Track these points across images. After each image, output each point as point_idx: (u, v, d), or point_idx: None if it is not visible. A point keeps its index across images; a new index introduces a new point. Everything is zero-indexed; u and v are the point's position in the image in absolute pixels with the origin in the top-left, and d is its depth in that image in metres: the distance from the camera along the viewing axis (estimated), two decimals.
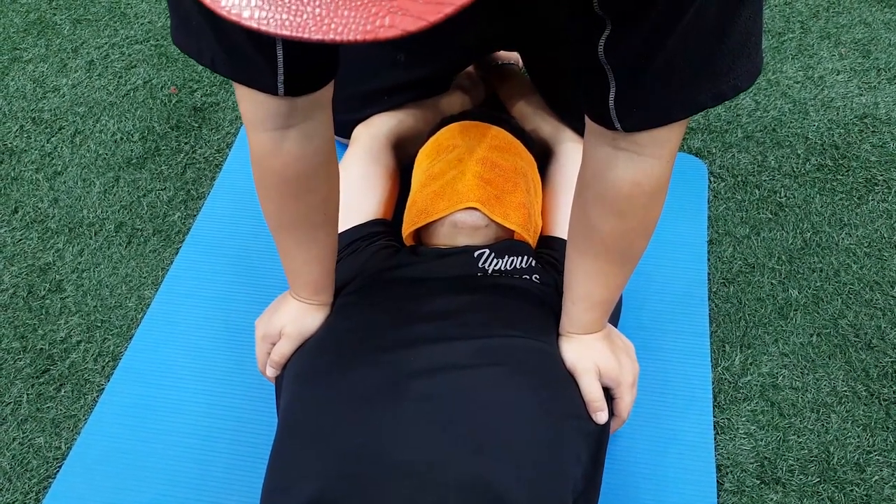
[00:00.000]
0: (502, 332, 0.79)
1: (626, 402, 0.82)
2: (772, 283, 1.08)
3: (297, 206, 0.77)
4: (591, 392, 0.78)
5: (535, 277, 0.89)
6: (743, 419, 0.95)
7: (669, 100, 0.60)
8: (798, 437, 0.93)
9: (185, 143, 1.34)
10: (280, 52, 0.62)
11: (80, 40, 1.54)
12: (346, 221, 1.00)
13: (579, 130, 1.12)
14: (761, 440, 0.93)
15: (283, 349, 0.84)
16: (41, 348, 1.07)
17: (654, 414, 0.94)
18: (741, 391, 0.97)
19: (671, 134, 0.64)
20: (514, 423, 0.71)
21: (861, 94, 1.34)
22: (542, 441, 0.72)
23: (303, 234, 0.80)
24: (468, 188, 0.92)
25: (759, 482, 0.90)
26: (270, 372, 0.86)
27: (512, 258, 0.90)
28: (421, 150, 1.05)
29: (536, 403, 0.74)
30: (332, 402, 0.73)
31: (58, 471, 0.94)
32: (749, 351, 1.01)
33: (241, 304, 1.08)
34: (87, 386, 1.03)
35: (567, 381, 0.79)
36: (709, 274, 1.09)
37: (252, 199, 1.20)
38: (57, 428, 0.98)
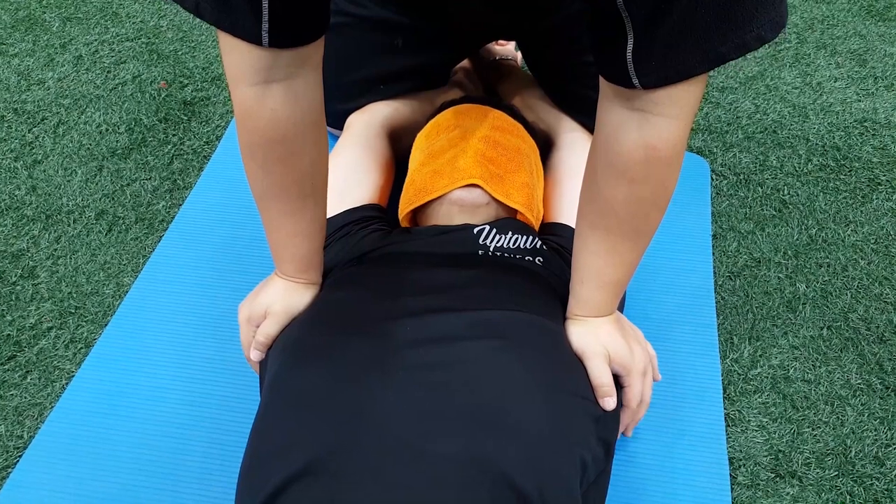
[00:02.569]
0: (503, 306, 0.74)
1: (635, 390, 0.76)
2: (779, 277, 1.05)
3: (283, 172, 0.72)
4: (600, 376, 0.73)
5: (539, 260, 0.84)
6: (754, 411, 0.90)
7: (690, 51, 0.57)
8: (813, 429, 0.88)
9: (174, 135, 1.30)
10: None
11: (69, 37, 1.51)
12: (337, 207, 0.95)
13: (581, 121, 1.09)
14: (774, 433, 0.88)
15: (269, 329, 0.78)
16: (8, 334, 1.00)
17: (663, 405, 0.89)
18: (751, 383, 0.93)
19: (690, 92, 0.61)
20: (516, 396, 0.66)
21: (860, 100, 1.33)
22: (547, 417, 0.66)
23: (289, 203, 0.75)
24: (469, 165, 0.88)
25: (773, 475, 0.84)
26: (255, 355, 0.80)
27: (516, 236, 0.85)
28: (419, 133, 1.02)
29: (539, 378, 0.68)
30: (321, 372, 0.67)
31: (18, 460, 0.86)
32: (758, 343, 0.97)
33: (226, 291, 1.03)
34: (56, 373, 0.96)
35: (573, 362, 0.74)
36: (714, 268, 1.06)
37: (241, 188, 1.16)
38: (20, 416, 0.91)
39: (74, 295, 1.05)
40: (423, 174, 0.91)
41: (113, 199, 1.19)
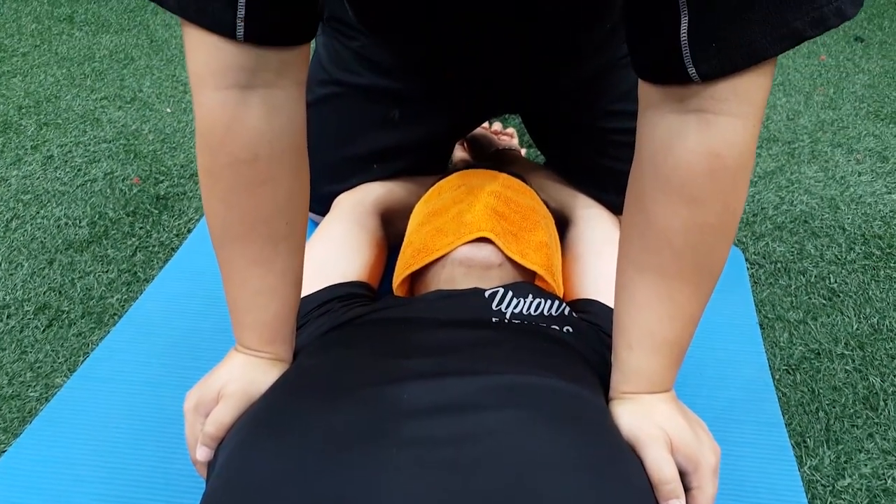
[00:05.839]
0: (527, 371, 0.56)
1: (707, 493, 0.56)
2: (846, 371, 0.88)
3: (251, 205, 0.58)
4: (662, 468, 0.53)
5: (568, 329, 0.67)
6: None
7: (759, 27, 0.46)
8: None
9: (140, 228, 1.16)
10: None
11: (43, 139, 1.42)
12: (318, 284, 0.79)
13: (597, 196, 0.97)
14: None
15: (221, 416, 0.59)
16: None
17: None
18: (842, 497, 0.72)
19: (758, 84, 0.49)
20: (552, 480, 0.47)
21: (890, 192, 1.23)
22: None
23: (258, 248, 0.60)
24: (478, 218, 0.74)
25: None
26: (201, 453, 0.60)
27: (538, 300, 0.69)
28: (418, 203, 0.88)
29: (581, 458, 0.49)
30: (294, 449, 0.48)
31: None
32: (839, 447, 0.78)
33: (176, 391, 0.82)
34: None
35: (624, 446, 0.55)
36: (768, 360, 0.89)
37: (209, 276, 1.00)
38: None
39: None
40: (423, 233, 0.76)
41: (59, 292, 1.02)
